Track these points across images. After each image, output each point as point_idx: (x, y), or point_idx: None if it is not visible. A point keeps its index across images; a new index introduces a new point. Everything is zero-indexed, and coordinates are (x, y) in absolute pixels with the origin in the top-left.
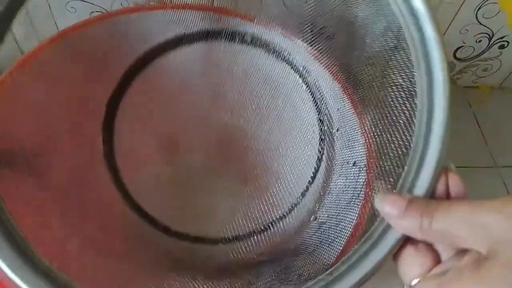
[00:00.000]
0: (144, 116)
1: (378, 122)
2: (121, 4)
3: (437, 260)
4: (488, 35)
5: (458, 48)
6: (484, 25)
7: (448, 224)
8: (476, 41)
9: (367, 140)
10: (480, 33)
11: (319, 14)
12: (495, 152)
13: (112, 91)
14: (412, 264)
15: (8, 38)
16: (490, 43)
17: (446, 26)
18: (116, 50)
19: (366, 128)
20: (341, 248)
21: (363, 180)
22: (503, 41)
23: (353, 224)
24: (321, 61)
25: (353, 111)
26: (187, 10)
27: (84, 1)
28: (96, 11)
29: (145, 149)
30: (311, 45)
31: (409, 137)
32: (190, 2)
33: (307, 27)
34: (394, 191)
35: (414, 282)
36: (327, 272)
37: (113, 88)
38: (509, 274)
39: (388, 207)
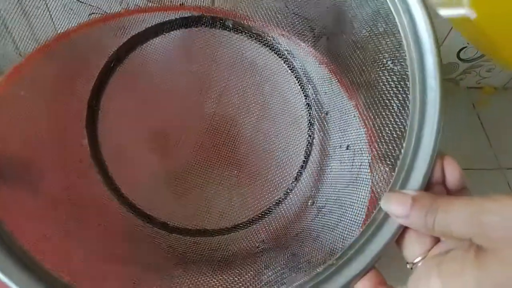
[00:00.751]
0: (128, 112)
1: (371, 105)
2: (120, 5)
3: (436, 239)
4: None
5: (462, 48)
6: None
7: (449, 223)
8: None
9: (359, 124)
10: None
11: None
12: (499, 154)
13: (91, 90)
14: (413, 245)
15: (7, 40)
16: None
17: (450, 27)
18: (94, 50)
19: (358, 111)
20: (346, 232)
21: (359, 163)
22: None
23: (355, 207)
24: (306, 45)
25: (343, 94)
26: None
27: (83, 2)
28: (95, 13)
29: (133, 146)
30: (295, 29)
31: (403, 120)
32: (189, 3)
33: (291, 12)
34: (393, 174)
35: (416, 260)
36: (336, 256)
37: (92, 87)
38: (507, 269)
39: (394, 207)
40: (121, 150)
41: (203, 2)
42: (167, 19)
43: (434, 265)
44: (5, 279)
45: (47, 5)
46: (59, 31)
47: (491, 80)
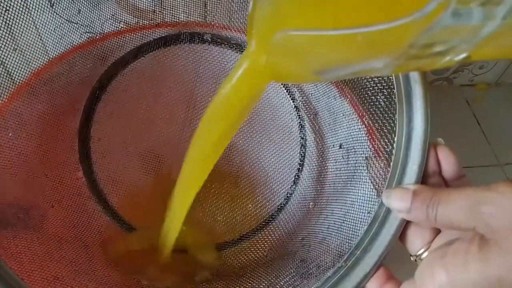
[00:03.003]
0: (118, 138)
1: (358, 103)
2: (112, 25)
3: (436, 230)
4: None
5: None
6: None
7: (451, 215)
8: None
9: (348, 122)
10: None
11: None
12: (497, 150)
13: (79, 122)
14: (415, 238)
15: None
16: None
17: None
18: (76, 83)
19: (346, 109)
20: (351, 231)
21: (354, 161)
22: None
23: (357, 205)
24: None
25: (329, 94)
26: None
27: (74, 23)
28: (86, 32)
29: (128, 171)
30: None
31: (391, 115)
32: (182, 20)
33: None
34: (389, 169)
35: (419, 252)
36: (344, 258)
37: (80, 119)
38: (510, 260)
39: (395, 202)
40: (116, 177)
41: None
42: (144, 41)
43: (438, 257)
44: None
45: (36, 27)
46: (49, 53)
47: (484, 77)
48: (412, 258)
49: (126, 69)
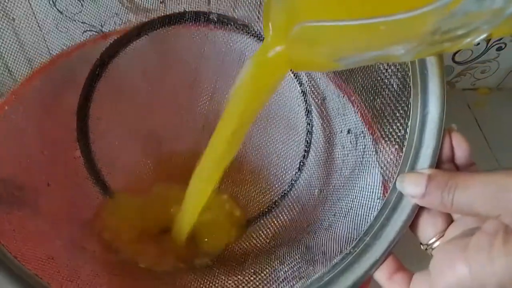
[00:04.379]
0: (118, 118)
1: (370, 87)
2: (115, 23)
3: (449, 219)
4: None
5: (457, 51)
6: None
7: (470, 199)
8: (474, 44)
9: (358, 106)
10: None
11: None
12: (498, 154)
13: (78, 100)
14: (426, 226)
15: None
16: (488, 46)
17: None
18: (77, 59)
19: (356, 94)
20: (359, 218)
21: (362, 146)
22: (501, 43)
23: (365, 192)
24: None
25: (339, 78)
26: None
27: (76, 21)
28: (89, 30)
29: (127, 152)
30: None
31: (405, 99)
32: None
33: None
34: (401, 154)
35: (431, 241)
36: (352, 244)
37: (79, 97)
38: None
39: (409, 187)
40: (115, 158)
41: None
42: (148, 19)
43: (459, 249)
44: None
45: (39, 26)
46: (51, 51)
47: (486, 81)
48: (422, 247)
49: (128, 47)
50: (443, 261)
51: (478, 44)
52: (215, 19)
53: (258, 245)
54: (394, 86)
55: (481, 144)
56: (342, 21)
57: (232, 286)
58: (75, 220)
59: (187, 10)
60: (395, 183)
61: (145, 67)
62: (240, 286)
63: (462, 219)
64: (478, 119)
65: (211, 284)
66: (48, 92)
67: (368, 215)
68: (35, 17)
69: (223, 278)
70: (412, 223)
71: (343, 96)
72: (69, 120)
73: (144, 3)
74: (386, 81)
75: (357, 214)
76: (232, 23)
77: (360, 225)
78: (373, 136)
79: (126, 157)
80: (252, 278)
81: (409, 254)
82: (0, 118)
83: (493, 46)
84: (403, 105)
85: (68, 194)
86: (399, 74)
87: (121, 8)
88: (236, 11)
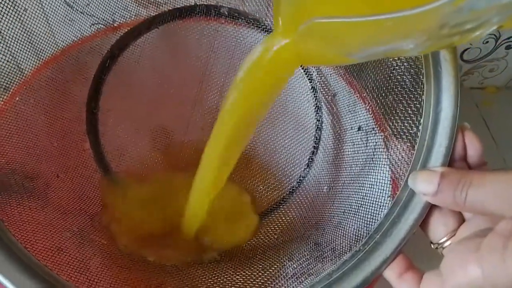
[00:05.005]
0: (127, 111)
1: (382, 83)
2: (123, 16)
3: (460, 218)
4: (495, 36)
5: (465, 50)
6: None
7: (484, 197)
8: (483, 43)
9: (369, 103)
10: (487, 35)
11: None
12: (506, 153)
13: (88, 92)
14: (437, 225)
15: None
16: (497, 44)
17: None
18: (87, 51)
19: (368, 90)
20: (370, 215)
21: (373, 143)
22: (510, 41)
23: (376, 189)
24: None
25: (350, 74)
26: None
27: (84, 14)
28: (97, 23)
29: (136, 145)
30: None
31: (417, 96)
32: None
33: None
34: (413, 151)
35: (441, 240)
36: (362, 242)
37: (89, 89)
38: None
39: (421, 185)
40: (125, 152)
41: None
42: (158, 12)
43: (472, 249)
44: None
45: (47, 18)
46: (59, 44)
47: (493, 80)
48: (432, 246)
49: (139, 40)
50: (455, 261)
51: (487, 42)
52: (226, 12)
53: (267, 241)
54: (407, 83)
55: (489, 143)
56: (351, 18)
57: (239, 281)
58: (84, 212)
59: (197, 3)
60: (406, 180)
61: (155, 60)
62: (248, 281)
63: (474, 219)
64: (485, 118)
65: (218, 279)
66: (58, 84)
67: (378, 213)
68: (43, 10)
69: (231, 273)
70: (423, 222)
71: (354, 93)
72: (79, 112)
73: None
74: (399, 77)
75: (367, 212)
76: (242, 17)
77: (370, 223)
78: (384, 133)
79: (134, 149)
80: (260, 274)
81: (419, 253)
82: (11, 109)
83: (501, 44)
84: (415, 102)
85: (77, 186)
86: (412, 70)
87: (130, 1)
88: (247, 4)
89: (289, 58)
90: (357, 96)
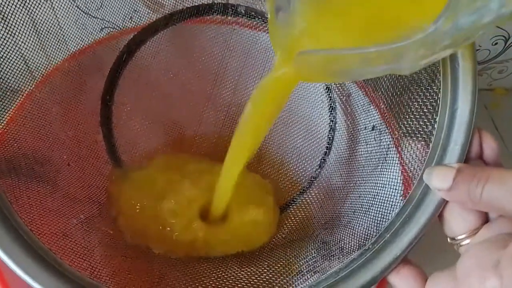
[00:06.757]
0: (142, 106)
1: (397, 81)
2: (133, 20)
3: (483, 217)
4: (504, 37)
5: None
6: (500, 28)
7: (502, 196)
8: (492, 44)
9: (383, 102)
10: (496, 36)
11: None
12: None
13: (104, 85)
14: (456, 219)
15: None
16: (506, 45)
17: None
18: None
19: (382, 88)
20: (380, 215)
21: (386, 143)
22: None
23: (387, 189)
24: None
25: None
26: None
27: (95, 17)
28: (107, 27)
29: (149, 140)
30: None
31: (433, 94)
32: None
33: None
34: (428, 150)
35: (460, 236)
36: (372, 241)
37: (105, 82)
38: None
39: (436, 180)
40: (136, 145)
41: None
42: (176, 9)
43: (492, 258)
44: (28, 279)
45: (58, 22)
46: (70, 48)
47: (502, 81)
48: (449, 240)
49: (156, 36)
50: (472, 266)
51: (496, 43)
52: (243, 11)
53: (274, 239)
54: (423, 81)
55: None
56: (334, 51)
57: (244, 277)
58: (92, 201)
59: (215, 1)
60: (420, 178)
61: (170, 56)
62: (253, 277)
63: (499, 220)
64: (494, 119)
65: (223, 274)
66: (75, 76)
67: (389, 213)
68: (55, 13)
69: (236, 269)
70: (441, 213)
71: (369, 91)
72: (93, 104)
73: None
74: (415, 75)
75: (377, 211)
76: (259, 16)
77: (381, 222)
78: (398, 132)
79: (146, 143)
80: (265, 270)
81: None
82: (27, 96)
83: (511, 46)
84: (431, 100)
85: (87, 176)
86: (428, 68)
87: (140, 6)
88: (264, 3)
89: (291, 79)
90: (372, 96)
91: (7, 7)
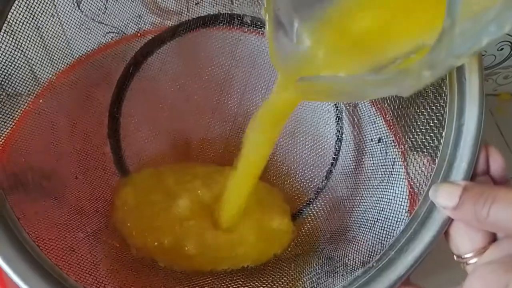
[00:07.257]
0: (149, 117)
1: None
2: (137, 26)
3: (491, 236)
4: (510, 43)
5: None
6: (507, 33)
7: (507, 216)
8: (498, 50)
9: (389, 114)
10: (502, 42)
11: None
12: None
13: (111, 97)
14: (462, 238)
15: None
16: None
17: None
18: (111, 57)
19: (389, 101)
20: (385, 231)
21: (392, 156)
22: None
23: (393, 204)
24: None
25: None
26: None
27: (100, 23)
28: (111, 32)
29: (156, 151)
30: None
31: (440, 108)
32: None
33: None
34: (434, 166)
35: (466, 255)
36: (376, 258)
37: (112, 94)
38: None
39: (442, 198)
40: (144, 156)
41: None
42: (183, 20)
43: (499, 280)
44: None
45: (63, 29)
46: (75, 54)
47: (508, 87)
48: (455, 258)
49: (162, 48)
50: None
51: (502, 49)
52: (249, 21)
53: (278, 253)
54: (429, 94)
55: (503, 150)
56: (335, 78)
57: None
58: (99, 213)
59: (221, 12)
60: (426, 195)
61: (177, 67)
62: None
63: (507, 240)
64: (499, 124)
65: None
66: (82, 88)
67: (395, 229)
68: (59, 18)
69: (241, 283)
70: (447, 231)
71: (375, 104)
72: (101, 116)
73: (167, 5)
74: (421, 89)
75: (383, 227)
76: (265, 26)
77: (385, 239)
78: (404, 146)
79: (154, 154)
80: (269, 286)
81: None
82: (34, 110)
83: None
84: (437, 114)
85: (95, 189)
86: (434, 82)
87: (144, 11)
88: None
89: (293, 101)
90: (378, 107)
91: (12, 14)
